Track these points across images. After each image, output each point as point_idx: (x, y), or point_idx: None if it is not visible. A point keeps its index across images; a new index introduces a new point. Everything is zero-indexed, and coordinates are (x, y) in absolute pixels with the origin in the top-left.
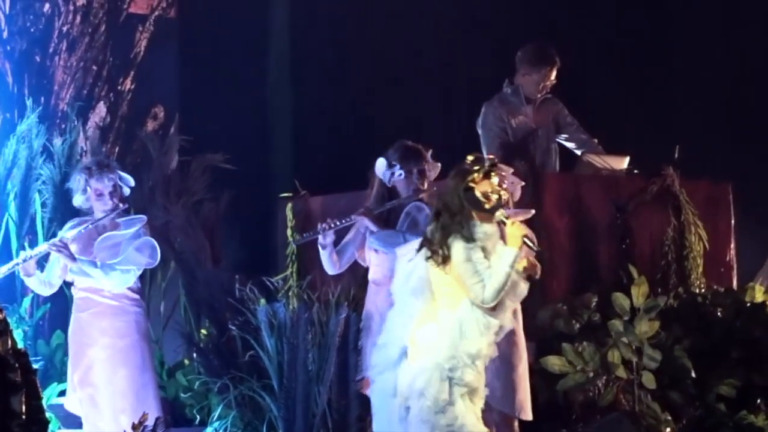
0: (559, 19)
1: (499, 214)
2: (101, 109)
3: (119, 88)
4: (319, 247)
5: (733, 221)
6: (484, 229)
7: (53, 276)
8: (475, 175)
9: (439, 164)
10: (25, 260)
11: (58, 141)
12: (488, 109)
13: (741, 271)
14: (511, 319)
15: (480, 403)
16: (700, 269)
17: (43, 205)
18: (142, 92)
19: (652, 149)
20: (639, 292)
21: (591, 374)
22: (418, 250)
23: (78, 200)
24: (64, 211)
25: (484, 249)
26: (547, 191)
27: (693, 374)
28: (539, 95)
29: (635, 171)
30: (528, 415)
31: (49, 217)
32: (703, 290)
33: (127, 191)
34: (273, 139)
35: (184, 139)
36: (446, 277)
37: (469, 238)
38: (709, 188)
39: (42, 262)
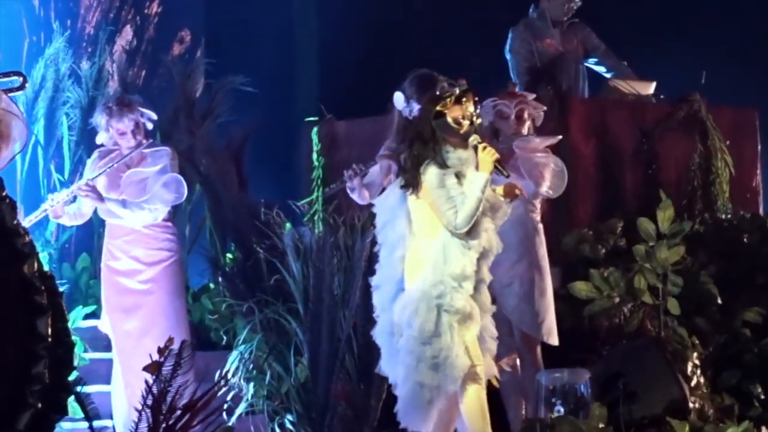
0: None
1: (473, 139)
2: (128, 32)
3: (146, 11)
4: (348, 191)
5: (759, 147)
6: (458, 155)
7: (84, 207)
8: (447, 100)
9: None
10: (52, 206)
11: (85, 65)
12: (515, 34)
13: (767, 196)
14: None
15: (475, 329)
16: (726, 195)
17: (70, 128)
18: (169, 16)
19: (678, 74)
20: (664, 217)
21: (617, 300)
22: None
23: (102, 138)
24: (90, 134)
25: (460, 175)
26: (574, 116)
27: (719, 300)
28: (565, 18)
29: (662, 96)
30: (555, 339)
31: (76, 140)
32: (729, 216)
33: (150, 126)
34: (299, 62)
35: (209, 63)
36: (424, 205)
37: (443, 164)
38: (735, 114)
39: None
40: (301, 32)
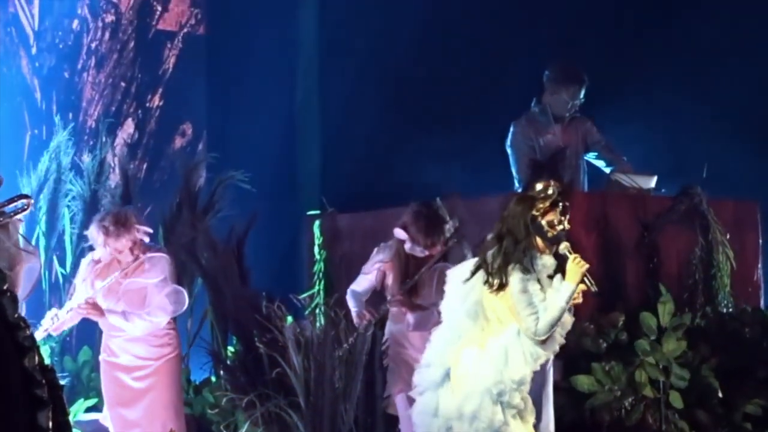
0: (583, 37)
1: (563, 246)
2: (129, 125)
3: (147, 104)
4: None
5: (760, 240)
6: (543, 261)
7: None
8: (543, 204)
9: (457, 222)
10: (52, 325)
11: (87, 157)
12: (516, 129)
13: None
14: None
15: (531, 419)
16: (728, 288)
17: (72, 221)
18: (170, 109)
19: (679, 168)
20: (665, 311)
21: (618, 393)
22: (474, 272)
23: (99, 253)
24: None
25: (539, 281)
26: (575, 210)
27: (720, 393)
28: (567, 114)
29: (663, 190)
30: None
31: (78, 233)
32: (730, 309)
33: (146, 240)
34: (300, 156)
35: (211, 156)
36: (499, 303)
37: (528, 269)
38: (736, 207)
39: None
40: (304, 125)
